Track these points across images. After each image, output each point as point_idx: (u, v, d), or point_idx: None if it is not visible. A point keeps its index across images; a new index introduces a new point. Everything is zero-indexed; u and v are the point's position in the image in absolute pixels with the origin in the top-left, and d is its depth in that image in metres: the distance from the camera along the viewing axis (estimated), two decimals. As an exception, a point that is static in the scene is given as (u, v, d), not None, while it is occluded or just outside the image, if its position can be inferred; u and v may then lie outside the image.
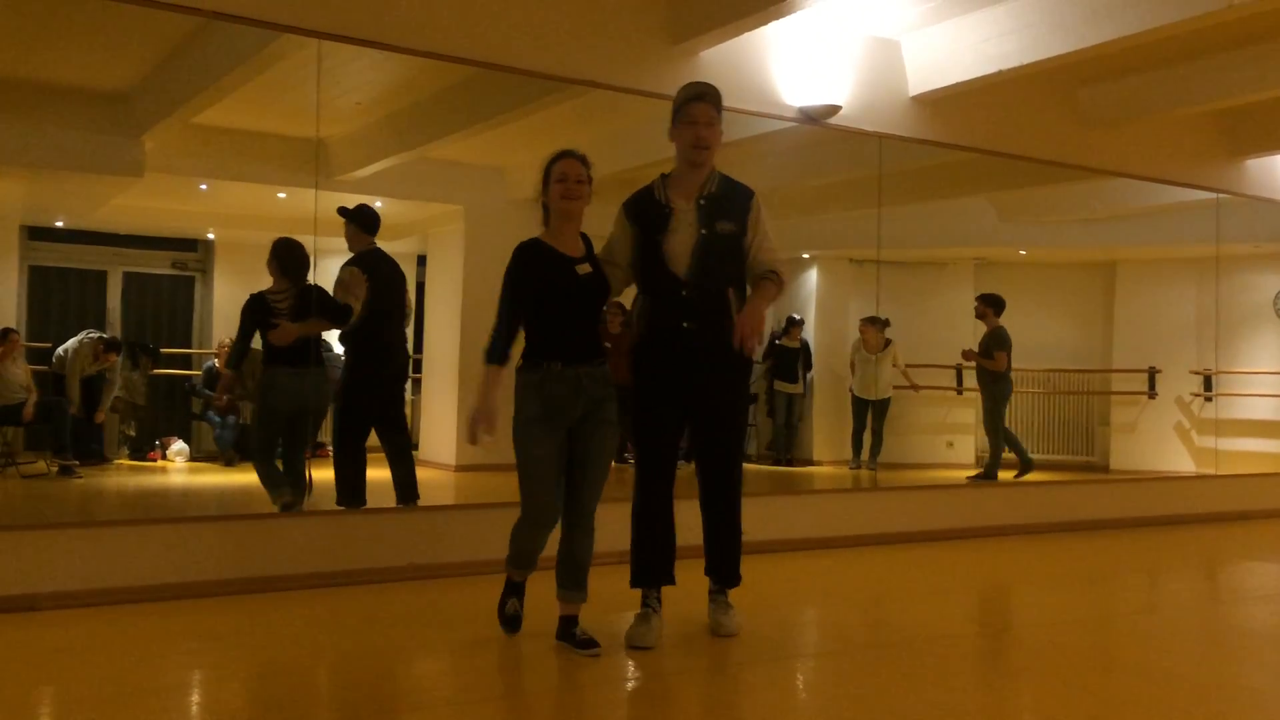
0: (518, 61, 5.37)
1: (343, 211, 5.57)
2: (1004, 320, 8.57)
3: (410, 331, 8.68)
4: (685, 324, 3.81)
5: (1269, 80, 6.64)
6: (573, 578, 3.77)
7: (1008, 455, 8.49)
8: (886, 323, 8.49)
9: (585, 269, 3.74)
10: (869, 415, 8.63)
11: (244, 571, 4.71)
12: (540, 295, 3.68)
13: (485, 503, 5.41)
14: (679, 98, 3.92)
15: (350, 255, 5.66)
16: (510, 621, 3.88)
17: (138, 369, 7.52)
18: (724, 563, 4.01)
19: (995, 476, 8.33)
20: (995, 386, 8.45)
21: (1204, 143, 8.07)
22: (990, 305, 8.41)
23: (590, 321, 3.79)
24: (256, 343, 5.53)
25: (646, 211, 3.89)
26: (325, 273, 5.57)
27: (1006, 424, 8.52)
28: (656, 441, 3.93)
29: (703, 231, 3.80)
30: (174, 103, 6.05)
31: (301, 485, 5.32)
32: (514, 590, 3.90)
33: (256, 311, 5.39)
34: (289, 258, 5.45)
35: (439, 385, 8.08)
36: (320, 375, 5.51)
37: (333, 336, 5.96)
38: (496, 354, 3.67)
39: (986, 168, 7.54)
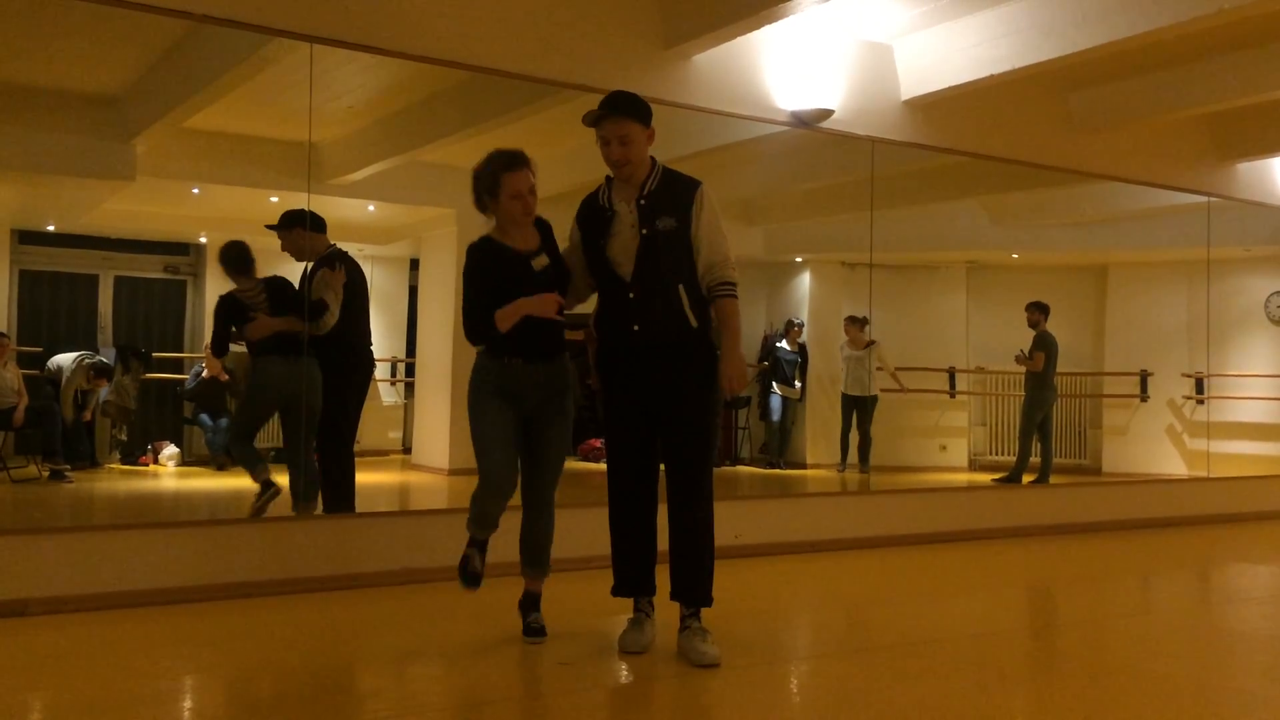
0: (510, 66, 5.37)
1: (284, 222, 5.44)
2: (1002, 323, 8.69)
3: (403, 334, 8.76)
4: (635, 326, 3.73)
5: (1259, 84, 6.67)
6: (534, 556, 3.90)
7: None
8: (865, 320, 8.61)
9: (541, 262, 3.76)
10: (855, 414, 8.69)
11: (235, 576, 4.69)
12: (498, 295, 3.69)
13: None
14: (589, 115, 3.76)
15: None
16: (471, 578, 3.86)
17: (129, 373, 7.51)
18: (692, 581, 3.76)
19: (1020, 479, 8.40)
20: (1033, 391, 8.74)
21: (1194, 147, 8.10)
22: (1038, 311, 8.79)
23: (550, 320, 3.77)
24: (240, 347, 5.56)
25: (590, 216, 3.83)
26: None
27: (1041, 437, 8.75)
28: (623, 449, 3.84)
29: (644, 232, 3.71)
30: (166, 106, 6.04)
31: (312, 479, 5.30)
32: (477, 546, 3.88)
33: (230, 310, 5.45)
34: (240, 259, 5.51)
35: (432, 389, 8.07)
36: (312, 364, 5.44)
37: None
38: (486, 328, 3.68)
39: (978, 171, 7.56)
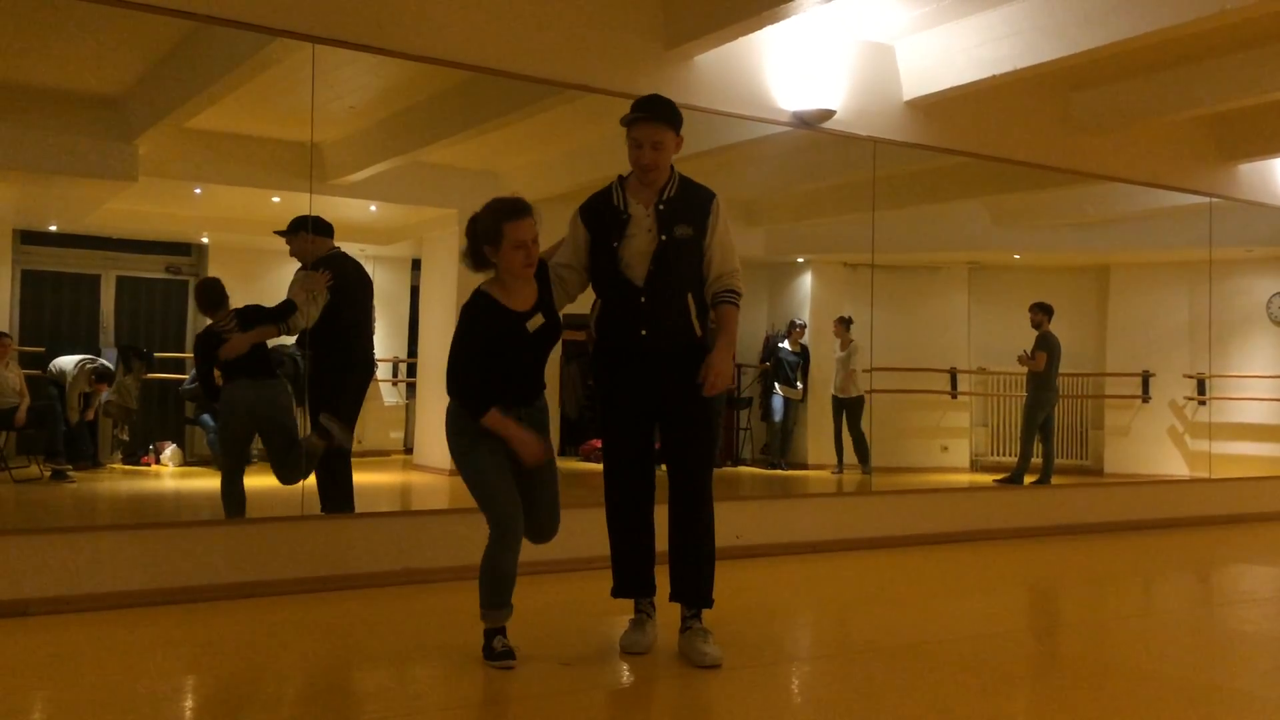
0: (512, 66, 5.38)
1: (291, 227, 5.50)
2: (1004, 323, 8.71)
3: (404, 334, 8.76)
4: (643, 331, 3.71)
5: (1261, 84, 6.66)
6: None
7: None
8: (850, 321, 8.64)
9: (537, 322, 3.64)
10: (843, 416, 8.71)
11: (237, 576, 4.70)
12: (490, 351, 3.59)
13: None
14: (626, 116, 3.73)
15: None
16: (504, 656, 3.61)
17: (131, 373, 7.51)
18: (693, 582, 3.76)
19: (1021, 481, 8.40)
20: (1035, 392, 8.78)
21: (1196, 147, 8.10)
22: (1042, 312, 8.83)
23: (537, 368, 3.72)
24: None
25: (602, 216, 3.77)
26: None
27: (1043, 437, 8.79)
28: (621, 451, 3.83)
29: (662, 238, 3.69)
30: (168, 107, 6.04)
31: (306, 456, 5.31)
32: (498, 632, 3.68)
33: (210, 343, 5.48)
34: (209, 295, 5.57)
35: (433, 389, 8.07)
36: (280, 386, 5.50)
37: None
38: (485, 401, 3.55)
39: (980, 172, 7.56)
